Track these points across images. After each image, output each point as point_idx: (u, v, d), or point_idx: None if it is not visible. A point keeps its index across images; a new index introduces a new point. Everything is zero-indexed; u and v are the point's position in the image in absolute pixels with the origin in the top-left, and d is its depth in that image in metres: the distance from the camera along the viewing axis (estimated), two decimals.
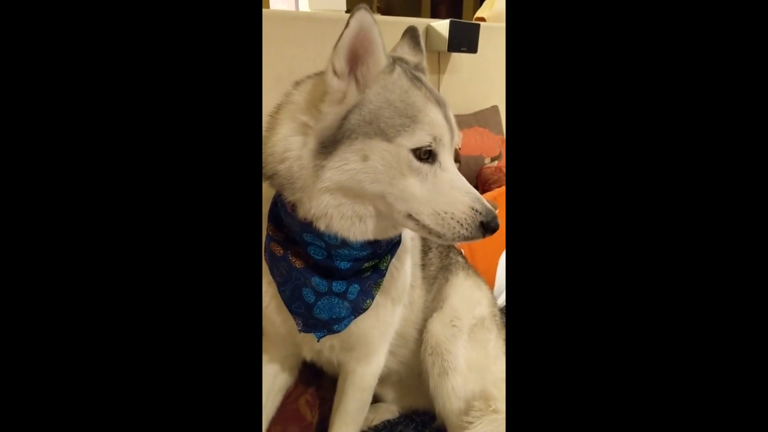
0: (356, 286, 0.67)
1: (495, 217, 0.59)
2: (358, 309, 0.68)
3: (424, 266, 0.89)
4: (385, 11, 6.74)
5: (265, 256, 0.69)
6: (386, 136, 0.57)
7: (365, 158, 0.57)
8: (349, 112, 0.58)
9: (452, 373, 0.83)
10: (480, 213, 0.59)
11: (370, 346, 0.77)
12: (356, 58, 0.58)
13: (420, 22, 1.46)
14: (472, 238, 0.60)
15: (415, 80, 0.61)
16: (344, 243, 0.63)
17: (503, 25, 1.87)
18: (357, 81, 0.59)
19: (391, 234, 0.67)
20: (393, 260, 0.72)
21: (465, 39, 1.45)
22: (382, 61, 0.58)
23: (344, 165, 0.57)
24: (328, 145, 0.58)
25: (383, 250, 0.68)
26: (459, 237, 0.60)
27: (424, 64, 0.72)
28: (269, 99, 1.23)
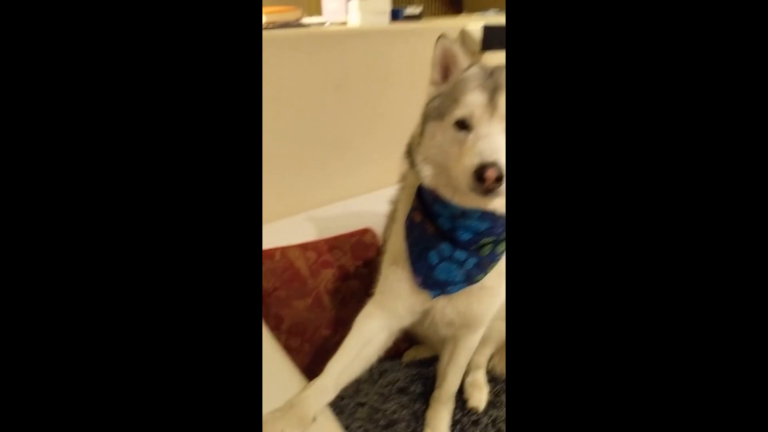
0: (474, 259, 0.81)
1: (484, 165, 0.65)
2: (470, 279, 0.82)
3: None
4: None
5: (406, 222, 0.87)
6: (442, 117, 0.76)
7: (433, 136, 0.78)
8: (431, 101, 0.81)
9: None
10: (475, 164, 0.66)
11: (484, 322, 0.95)
12: (447, 69, 0.81)
13: (456, 26, 1.65)
14: (474, 190, 0.68)
15: (485, 74, 0.75)
16: (464, 213, 0.77)
17: None
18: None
19: (497, 206, 0.75)
20: None
21: (496, 40, 1.63)
22: (463, 65, 0.80)
23: (426, 141, 0.79)
24: (422, 124, 0.81)
25: (500, 230, 0.78)
26: (468, 188, 0.68)
27: None
28: (330, 102, 1.50)
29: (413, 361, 1.24)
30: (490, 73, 0.76)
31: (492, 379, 1.18)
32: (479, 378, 1.16)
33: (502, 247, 0.82)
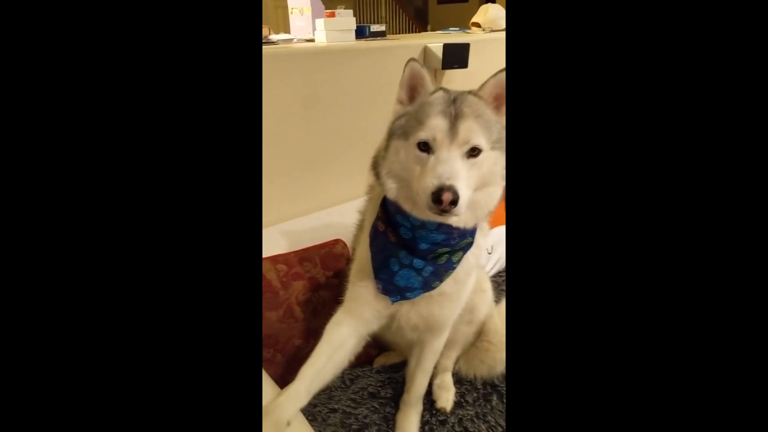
0: (430, 267, 0.88)
1: (441, 188, 0.72)
2: (427, 285, 0.89)
3: None
4: None
5: (371, 231, 0.93)
6: (406, 136, 0.82)
7: (397, 153, 0.83)
8: (397, 119, 0.85)
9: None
10: (434, 185, 0.72)
11: (446, 326, 1.03)
12: (414, 89, 0.86)
13: (418, 43, 1.72)
14: (431, 209, 0.74)
15: (448, 101, 0.81)
16: (423, 225, 0.83)
17: (491, 36, 2.12)
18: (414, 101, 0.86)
19: (452, 221, 0.82)
20: (471, 259, 0.93)
21: (456, 57, 1.72)
22: (429, 89, 0.85)
23: (391, 157, 0.84)
24: (387, 140, 0.86)
25: (455, 241, 0.86)
26: (426, 207, 0.74)
27: (482, 92, 0.85)
28: (299, 119, 1.53)
29: (383, 367, 1.29)
30: (453, 99, 0.81)
31: (458, 380, 1.23)
32: (447, 380, 1.21)
33: (457, 256, 0.89)
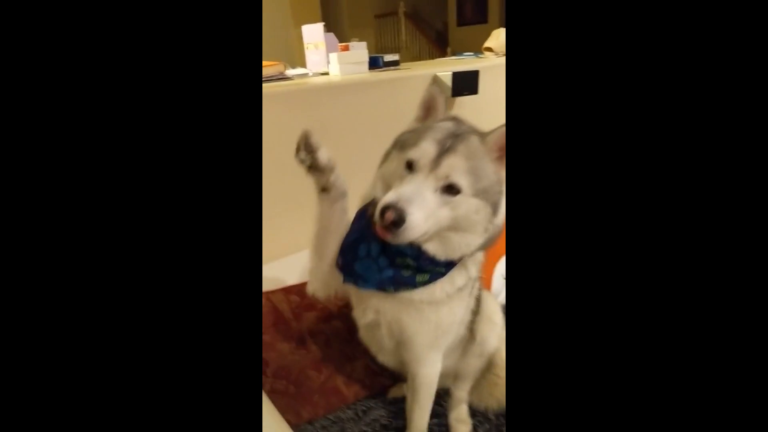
0: (390, 272, 0.88)
1: (388, 206, 0.74)
2: (381, 285, 0.90)
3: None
4: (412, 14, 7.04)
5: (358, 211, 0.95)
6: (402, 150, 0.85)
7: (391, 162, 0.87)
8: (405, 132, 0.90)
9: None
10: (385, 201, 0.74)
11: (420, 350, 0.97)
12: (428, 111, 0.91)
13: (427, 73, 1.76)
14: (378, 222, 0.75)
15: (450, 134, 0.82)
16: None
17: (504, 61, 2.13)
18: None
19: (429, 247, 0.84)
20: (438, 293, 0.91)
21: (466, 85, 1.74)
22: (439, 115, 0.90)
23: (386, 164, 0.89)
24: (391, 147, 0.91)
25: (424, 263, 0.86)
26: (377, 218, 0.76)
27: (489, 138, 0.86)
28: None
29: (397, 398, 1.28)
30: (455, 134, 0.82)
31: (472, 413, 1.21)
32: (462, 413, 1.19)
33: (422, 278, 0.88)
